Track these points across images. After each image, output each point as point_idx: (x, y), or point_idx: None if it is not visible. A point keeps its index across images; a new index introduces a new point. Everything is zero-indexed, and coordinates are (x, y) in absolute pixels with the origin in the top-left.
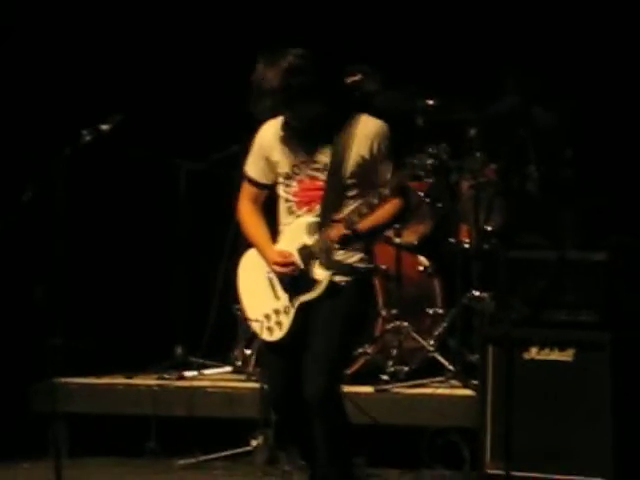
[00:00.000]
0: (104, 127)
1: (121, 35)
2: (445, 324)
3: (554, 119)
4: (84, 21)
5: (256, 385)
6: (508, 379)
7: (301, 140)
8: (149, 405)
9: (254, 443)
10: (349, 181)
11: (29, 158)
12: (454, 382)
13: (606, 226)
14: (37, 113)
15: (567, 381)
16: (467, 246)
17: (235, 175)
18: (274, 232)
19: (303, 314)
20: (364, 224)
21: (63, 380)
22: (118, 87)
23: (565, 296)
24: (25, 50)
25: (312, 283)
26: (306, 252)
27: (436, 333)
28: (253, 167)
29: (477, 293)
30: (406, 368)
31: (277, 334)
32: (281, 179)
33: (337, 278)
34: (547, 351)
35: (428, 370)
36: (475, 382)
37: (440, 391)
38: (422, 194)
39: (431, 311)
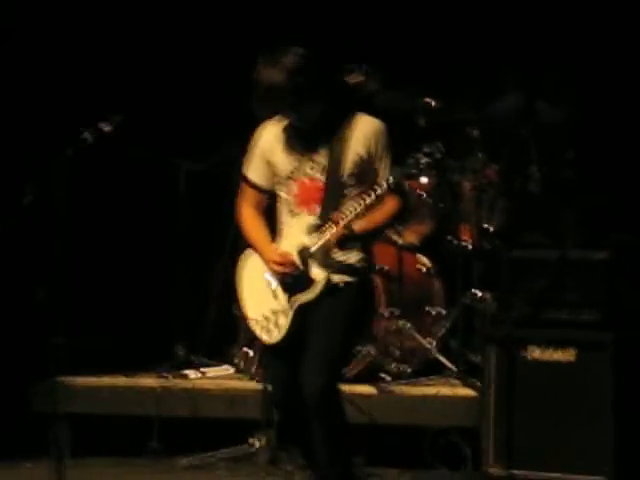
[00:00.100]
0: (104, 127)
1: (121, 36)
2: (446, 324)
3: (558, 115)
4: (84, 21)
5: (258, 386)
6: (509, 379)
7: (301, 141)
8: (151, 405)
9: (256, 443)
10: (348, 181)
11: (30, 159)
12: (455, 382)
13: (608, 225)
14: (37, 114)
15: (568, 381)
16: (468, 246)
17: (234, 175)
18: (274, 233)
19: (302, 315)
20: (361, 224)
21: (64, 380)
22: (118, 88)
23: (567, 295)
24: (25, 50)
25: (310, 283)
26: (305, 252)
27: (437, 333)
28: (254, 171)
29: (479, 293)
30: (408, 368)
31: (275, 336)
32: (281, 180)
33: (336, 278)
34: (549, 351)
35: (429, 370)
36: (476, 382)
37: (441, 391)
38: (424, 194)
39: (432, 311)
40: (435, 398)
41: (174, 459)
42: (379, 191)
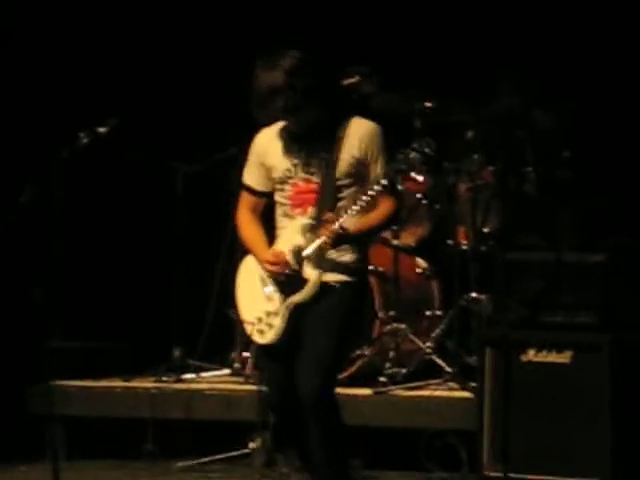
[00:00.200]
0: (101, 130)
1: (118, 38)
2: (443, 326)
3: (553, 121)
4: (82, 24)
5: (254, 387)
6: (506, 381)
7: (296, 143)
8: (147, 408)
9: (252, 445)
10: (342, 182)
11: (27, 160)
12: (452, 384)
13: (604, 227)
14: (35, 115)
15: (565, 383)
16: (465, 248)
17: (232, 177)
18: (273, 239)
19: (296, 315)
20: (356, 225)
21: (60, 383)
22: (115, 90)
23: (563, 298)
24: (22, 52)
25: (304, 284)
26: (298, 252)
27: (434, 335)
28: (250, 175)
29: (475, 295)
30: (404, 370)
31: (268, 336)
32: (277, 184)
33: (330, 278)
34: (545, 353)
35: (426, 372)
36: (473, 384)
37: (438, 393)
38: (420, 196)
39: (429, 313)
40: (431, 400)
41: (170, 462)
42: (373, 192)
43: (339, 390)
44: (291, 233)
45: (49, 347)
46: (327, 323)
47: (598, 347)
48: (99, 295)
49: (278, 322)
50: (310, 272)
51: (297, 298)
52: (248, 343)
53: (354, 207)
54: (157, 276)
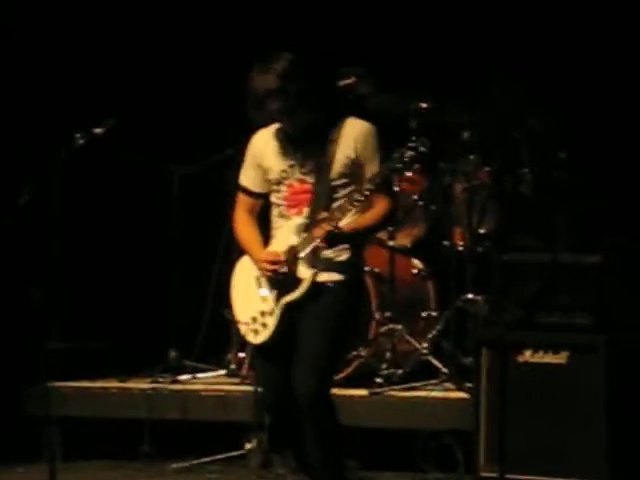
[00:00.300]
0: (98, 130)
1: (115, 40)
2: (439, 327)
3: (547, 123)
4: (79, 25)
5: (250, 388)
6: (502, 382)
7: (292, 144)
8: (143, 408)
9: (248, 446)
10: (337, 182)
11: (24, 161)
12: (448, 385)
13: (600, 228)
14: (32, 116)
15: (561, 384)
16: (461, 249)
17: (228, 179)
18: (269, 240)
19: (290, 315)
20: (351, 224)
21: (57, 384)
22: (112, 91)
23: (559, 299)
24: (19, 53)
25: (298, 283)
26: (293, 252)
27: (430, 336)
28: (246, 177)
29: (471, 296)
30: (400, 371)
31: (262, 336)
32: (273, 185)
33: (326, 278)
34: (541, 354)
35: (422, 373)
36: (469, 385)
37: (434, 394)
38: (416, 197)
39: (425, 314)
40: (427, 401)
41: (166, 462)
42: (367, 192)
43: (335, 391)
44: (286, 233)
45: (46, 348)
46: (322, 323)
47: (594, 348)
48: (96, 296)
49: (272, 322)
50: (305, 272)
51: (291, 297)
52: (244, 344)
53: (348, 207)
54: (153, 277)
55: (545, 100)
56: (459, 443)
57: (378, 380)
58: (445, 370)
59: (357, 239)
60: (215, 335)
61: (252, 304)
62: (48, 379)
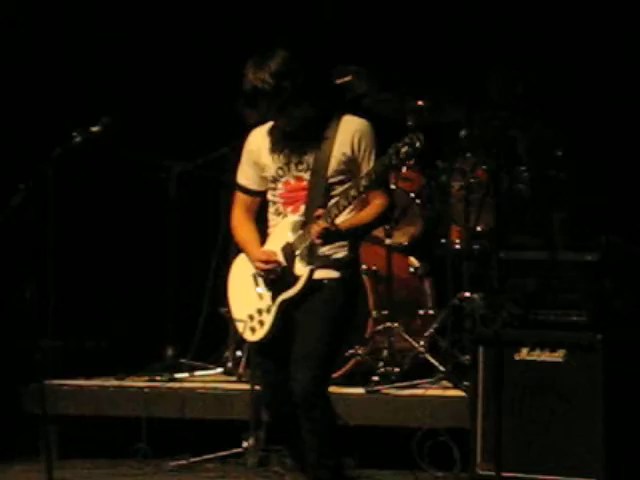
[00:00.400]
0: (94, 129)
1: (112, 38)
2: (436, 325)
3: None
4: (77, 23)
5: (247, 387)
6: (499, 380)
7: (288, 141)
8: (140, 407)
9: (245, 445)
10: (333, 179)
11: (19, 159)
12: (445, 383)
13: (596, 226)
14: (28, 115)
15: (558, 382)
16: (458, 247)
17: (225, 176)
18: (266, 238)
19: (287, 312)
20: (347, 221)
21: (54, 382)
22: (108, 89)
23: (556, 297)
24: (16, 52)
25: (294, 280)
26: (289, 250)
27: (427, 334)
28: (243, 175)
29: (468, 294)
30: (397, 369)
31: (259, 333)
32: (269, 183)
33: (322, 275)
34: (538, 352)
35: (419, 371)
36: (466, 383)
37: (431, 392)
38: (413, 195)
39: (422, 312)
40: (424, 399)
41: (163, 460)
42: (362, 188)
43: (332, 389)
44: (282, 230)
45: (42, 346)
46: (319, 320)
47: (591, 346)
48: (93, 294)
49: (269, 319)
50: (301, 268)
51: (288, 295)
52: (241, 342)
53: (341, 201)
54: (150, 275)
55: (542, 99)
56: (456, 441)
57: (375, 378)
58: (442, 368)
59: (353, 236)
60: (212, 333)
61: (249, 302)
62: (45, 377)
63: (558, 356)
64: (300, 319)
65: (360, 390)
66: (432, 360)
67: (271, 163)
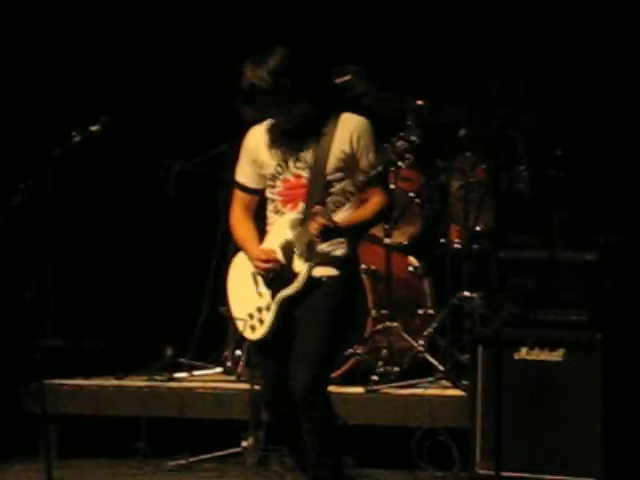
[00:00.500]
0: (93, 128)
1: (110, 38)
2: (435, 324)
3: (540, 124)
4: (75, 23)
5: (246, 386)
6: (498, 379)
7: (286, 139)
8: (139, 406)
9: (244, 444)
10: (332, 176)
11: (19, 159)
12: (444, 382)
13: (596, 226)
14: (28, 115)
15: (557, 381)
16: (457, 246)
17: (224, 175)
18: (264, 236)
19: (286, 311)
20: (346, 218)
21: (54, 381)
22: (107, 88)
23: (555, 296)
24: (15, 51)
25: (294, 278)
26: (288, 247)
27: (426, 333)
28: (241, 173)
29: (467, 293)
30: (396, 368)
31: (259, 332)
32: (268, 181)
33: (321, 273)
34: (537, 351)
35: (418, 370)
36: (465, 382)
37: (430, 391)
38: (412, 194)
39: (421, 311)
40: (424, 398)
41: (162, 460)
42: (360, 184)
43: (331, 388)
44: (280, 228)
45: (41, 346)
46: (319, 318)
47: (590, 345)
48: (92, 294)
49: (269, 317)
50: (300, 266)
51: (287, 292)
52: (240, 341)
53: (342, 200)
54: (149, 275)
55: (541, 98)
56: (455, 440)
57: (374, 378)
58: (441, 367)
59: (352, 233)
60: (212, 332)
61: (249, 300)
62: (45, 377)
63: (557, 355)
64: (300, 317)
65: (359, 389)
66: (431, 359)
67: (270, 161)
